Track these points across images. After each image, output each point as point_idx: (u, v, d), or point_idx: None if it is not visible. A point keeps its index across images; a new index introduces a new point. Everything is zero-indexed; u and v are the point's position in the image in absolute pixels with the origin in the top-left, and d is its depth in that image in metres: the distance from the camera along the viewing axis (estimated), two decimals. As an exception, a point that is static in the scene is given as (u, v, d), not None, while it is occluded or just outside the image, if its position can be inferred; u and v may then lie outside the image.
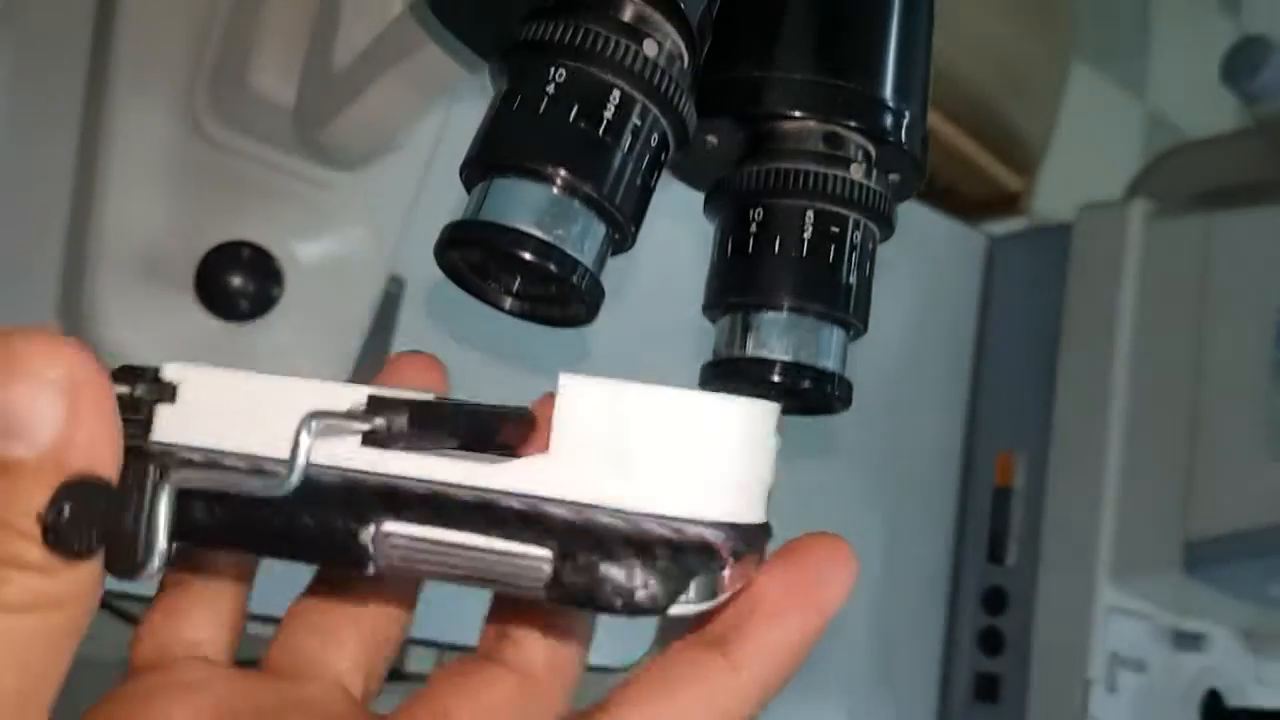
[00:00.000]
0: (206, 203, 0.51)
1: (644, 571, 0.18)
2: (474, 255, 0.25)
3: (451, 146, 0.54)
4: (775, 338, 0.27)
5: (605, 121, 0.24)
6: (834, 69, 0.28)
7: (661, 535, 0.19)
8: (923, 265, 0.83)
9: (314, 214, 0.53)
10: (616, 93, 0.24)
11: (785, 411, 0.29)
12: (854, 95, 0.28)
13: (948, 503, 0.83)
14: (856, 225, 0.28)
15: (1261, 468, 0.71)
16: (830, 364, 0.28)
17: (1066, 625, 0.75)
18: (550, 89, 0.24)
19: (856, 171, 0.28)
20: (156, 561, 0.19)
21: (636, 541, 0.18)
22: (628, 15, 0.25)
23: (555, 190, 0.24)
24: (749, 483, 0.20)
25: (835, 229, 0.28)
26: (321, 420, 0.18)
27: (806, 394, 0.28)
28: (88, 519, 0.18)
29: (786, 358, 0.27)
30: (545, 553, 0.18)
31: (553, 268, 0.24)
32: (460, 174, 0.25)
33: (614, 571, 0.18)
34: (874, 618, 0.78)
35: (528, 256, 0.24)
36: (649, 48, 0.25)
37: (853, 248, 0.28)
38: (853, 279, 0.28)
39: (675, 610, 0.18)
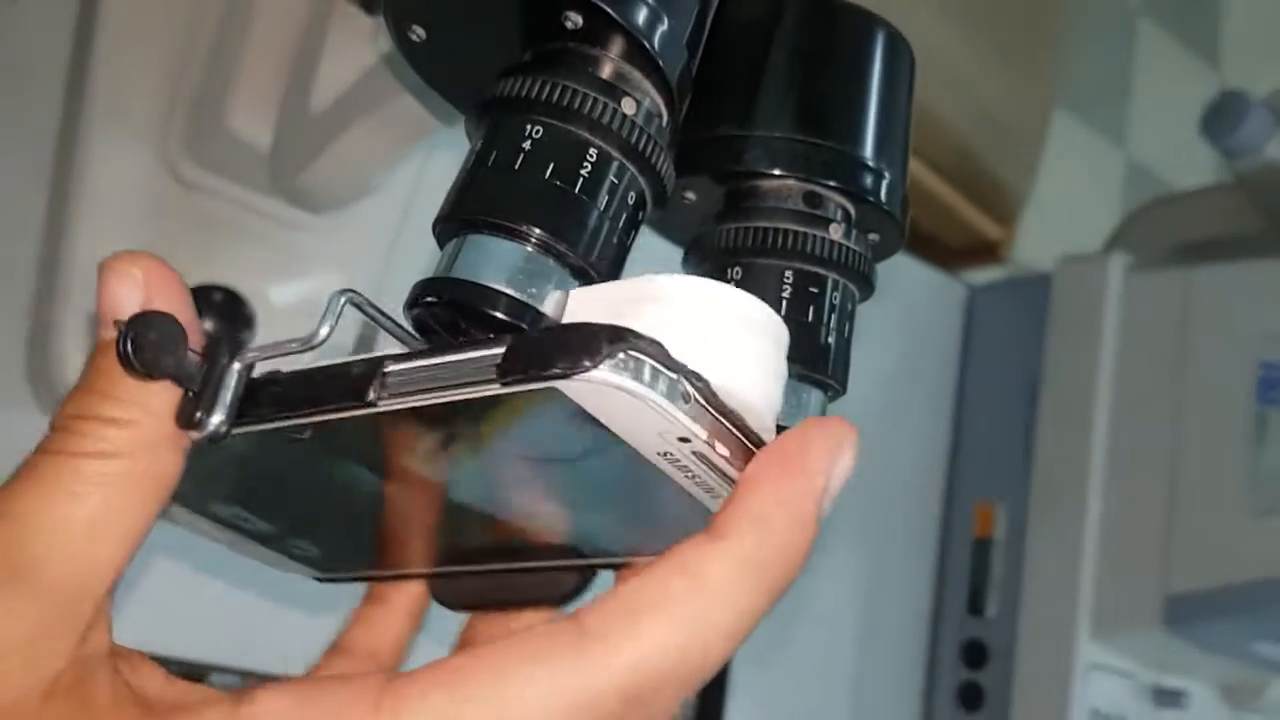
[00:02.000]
0: (178, 244, 0.51)
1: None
2: (446, 312, 0.24)
3: (429, 192, 0.54)
4: (753, 400, 0.27)
5: (581, 180, 0.24)
6: (814, 128, 0.28)
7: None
8: (903, 314, 0.83)
9: (288, 257, 0.52)
10: (594, 151, 0.24)
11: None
12: (834, 155, 0.28)
13: (927, 554, 0.83)
14: (835, 285, 0.27)
15: (1242, 523, 0.71)
16: (809, 427, 0.27)
17: (1047, 681, 0.74)
18: (526, 146, 0.24)
19: (836, 231, 0.27)
20: (216, 418, 0.22)
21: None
22: (606, 73, 0.24)
23: (529, 248, 0.23)
24: None
25: (814, 289, 0.27)
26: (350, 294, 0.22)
27: (784, 458, 0.27)
28: (152, 345, 0.21)
29: (764, 421, 0.26)
30: (498, 350, 0.20)
31: (525, 327, 0.23)
32: (433, 229, 0.25)
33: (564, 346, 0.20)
34: (852, 670, 0.77)
35: (500, 315, 0.23)
36: (627, 106, 0.24)
37: (832, 308, 0.27)
38: (831, 339, 0.27)
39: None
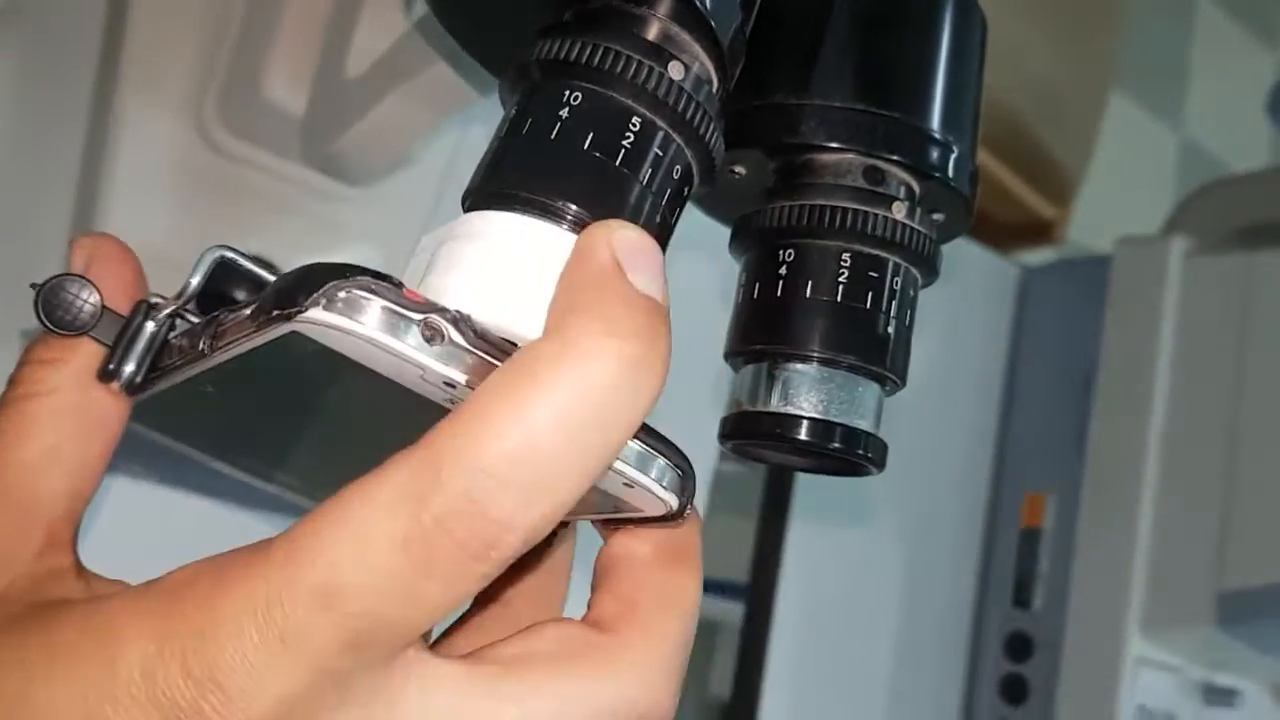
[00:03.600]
0: (212, 214, 0.49)
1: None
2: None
3: (466, 164, 0.52)
4: (804, 392, 0.25)
5: (623, 151, 0.22)
6: (877, 97, 0.26)
7: None
8: (952, 295, 0.80)
9: (323, 229, 0.51)
10: (637, 119, 0.22)
11: (812, 471, 0.27)
12: (898, 126, 0.26)
13: (972, 543, 0.81)
14: (897, 270, 0.25)
15: (1302, 518, 0.69)
16: (864, 423, 0.25)
17: (1093, 676, 0.72)
18: (563, 113, 0.22)
19: (899, 210, 0.25)
20: (128, 368, 0.23)
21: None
22: (652, 34, 0.23)
23: (564, 227, 0.21)
24: None
25: (874, 273, 0.25)
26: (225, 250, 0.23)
27: (836, 454, 0.25)
28: (56, 302, 0.23)
29: (816, 414, 0.25)
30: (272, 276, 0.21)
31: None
32: (463, 203, 0.23)
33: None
34: (893, 659, 0.76)
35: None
36: (675, 70, 0.22)
37: (892, 294, 0.25)
38: (891, 329, 0.25)
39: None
